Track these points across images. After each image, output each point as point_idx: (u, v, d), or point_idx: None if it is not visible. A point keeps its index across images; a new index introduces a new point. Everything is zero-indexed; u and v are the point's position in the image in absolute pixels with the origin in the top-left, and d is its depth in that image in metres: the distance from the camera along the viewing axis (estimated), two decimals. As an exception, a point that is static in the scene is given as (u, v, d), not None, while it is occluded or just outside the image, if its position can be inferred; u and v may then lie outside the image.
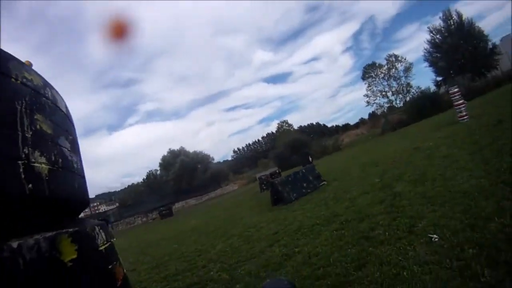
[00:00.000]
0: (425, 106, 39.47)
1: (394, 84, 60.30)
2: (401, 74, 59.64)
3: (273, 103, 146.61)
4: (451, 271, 3.17)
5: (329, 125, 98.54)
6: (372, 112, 66.26)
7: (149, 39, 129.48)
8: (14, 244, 1.11)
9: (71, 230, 1.40)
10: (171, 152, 72.32)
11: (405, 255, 3.91)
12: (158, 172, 73.97)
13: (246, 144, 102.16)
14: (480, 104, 19.69)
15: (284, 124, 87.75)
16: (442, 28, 50.95)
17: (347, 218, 6.66)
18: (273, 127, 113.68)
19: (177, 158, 69.02)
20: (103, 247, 1.69)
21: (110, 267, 1.71)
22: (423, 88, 53.28)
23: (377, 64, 61.88)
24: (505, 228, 3.54)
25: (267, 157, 72.61)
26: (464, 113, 15.81)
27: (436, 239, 4.00)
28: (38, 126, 1.47)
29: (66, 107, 2.03)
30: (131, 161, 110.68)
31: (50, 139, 1.56)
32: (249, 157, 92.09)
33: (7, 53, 1.45)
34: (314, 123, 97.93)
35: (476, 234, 3.68)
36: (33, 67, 1.76)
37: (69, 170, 1.71)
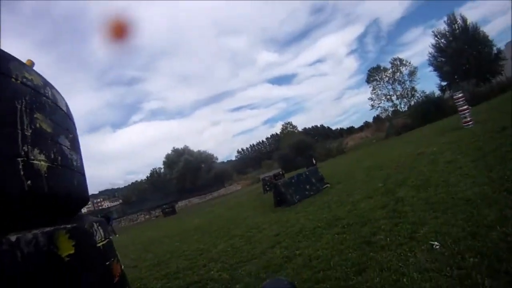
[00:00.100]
0: (429, 110, 39.38)
1: (399, 88, 60.50)
2: (406, 78, 59.90)
3: (278, 104, 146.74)
4: (451, 280, 3.14)
5: (333, 127, 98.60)
6: (377, 115, 66.40)
7: (154, 38, 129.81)
8: (13, 238, 1.14)
9: (69, 226, 1.43)
10: (175, 150, 72.45)
11: (405, 262, 3.89)
12: (162, 170, 74.27)
13: (250, 145, 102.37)
14: (484, 109, 19.62)
15: (289, 125, 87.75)
16: (447, 32, 50.90)
17: (349, 222, 6.64)
18: (277, 128, 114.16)
19: (181, 157, 69.11)
20: (101, 243, 1.71)
21: (107, 263, 1.73)
22: (427, 92, 53.20)
23: (381, 68, 62.11)
24: (507, 237, 3.50)
25: (271, 158, 72.51)
26: (469, 119, 15.74)
27: (437, 247, 3.98)
28: (37, 125, 1.50)
29: (67, 106, 2.07)
30: (135, 158, 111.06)
31: (50, 137, 1.59)
32: (253, 158, 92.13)
33: (7, 53, 1.49)
34: (319, 125, 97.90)
35: (478, 243, 3.65)
36: (35, 66, 1.84)
37: (69, 167, 1.74)
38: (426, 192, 6.79)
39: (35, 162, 1.40)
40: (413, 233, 4.72)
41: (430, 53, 53.35)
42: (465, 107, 16.28)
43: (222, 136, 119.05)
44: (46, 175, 1.45)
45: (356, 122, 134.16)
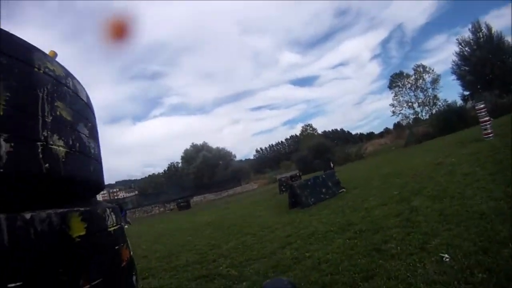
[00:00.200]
0: (451, 120, 38.82)
1: (421, 95, 59.55)
2: (428, 85, 58.83)
3: (299, 105, 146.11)
4: (457, 294, 3.15)
5: (353, 132, 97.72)
6: (397, 122, 65.50)
7: (178, 34, 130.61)
8: (27, 216, 1.21)
9: (82, 209, 1.51)
10: (194, 146, 72.79)
11: (413, 272, 3.87)
12: (180, 164, 74.62)
13: (269, 145, 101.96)
14: (506, 122, 19.20)
15: (309, 127, 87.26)
16: (471, 41, 49.81)
17: (362, 228, 6.63)
18: (297, 130, 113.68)
19: (199, 153, 69.39)
20: (112, 228, 1.79)
21: (117, 247, 1.81)
22: (449, 101, 52.39)
23: (404, 74, 61.19)
24: (518, 256, 3.48)
25: (289, 159, 72.41)
26: (489, 131, 15.43)
27: (447, 259, 3.95)
28: (58, 113, 1.59)
29: (87, 97, 2.15)
30: (153, 152, 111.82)
31: (69, 125, 1.68)
32: (271, 158, 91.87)
33: (31, 44, 1.57)
34: (339, 129, 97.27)
35: (488, 259, 3.60)
36: (57, 57, 1.91)
37: (86, 154, 1.82)
38: (441, 203, 6.73)
39: (53, 147, 1.48)
40: (424, 244, 4.69)
41: (453, 61, 52.41)
42: (487, 118, 15.96)
43: (242, 134, 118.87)
44: (63, 159, 1.53)
45: (377, 128, 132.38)
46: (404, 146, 45.41)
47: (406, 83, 60.93)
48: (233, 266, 6.34)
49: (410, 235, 5.28)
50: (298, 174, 31.03)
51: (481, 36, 49.26)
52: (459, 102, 50.42)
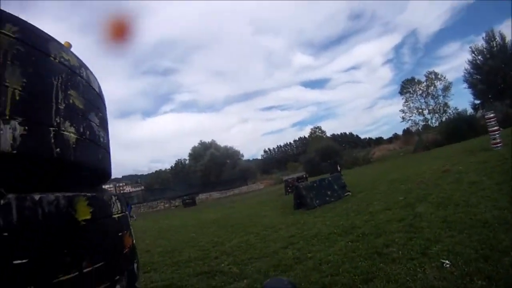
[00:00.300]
0: (460, 128, 38.42)
1: (432, 102, 58.87)
2: (440, 92, 58.08)
3: (309, 107, 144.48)
4: (455, 300, 3.17)
5: (362, 136, 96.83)
6: (407, 128, 65.06)
7: (191, 31, 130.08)
8: (36, 197, 1.28)
9: (89, 194, 1.58)
10: (202, 144, 72.76)
11: (413, 276, 3.89)
12: (187, 162, 74.59)
13: (277, 145, 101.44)
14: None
15: (317, 130, 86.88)
16: (484, 49, 49.22)
17: (365, 231, 6.65)
18: (306, 132, 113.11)
19: (207, 151, 69.35)
20: (117, 215, 1.86)
21: (120, 234, 1.88)
22: (460, 109, 51.88)
23: (416, 80, 60.59)
24: (520, 265, 3.49)
25: (297, 161, 72.12)
26: (498, 140, 15.36)
27: (448, 265, 3.97)
28: (71, 101, 1.67)
29: (99, 88, 2.23)
30: (161, 147, 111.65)
31: (81, 113, 1.76)
32: (279, 159, 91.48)
33: (48, 35, 1.66)
34: (347, 133, 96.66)
35: (489, 266, 3.61)
36: (72, 48, 1.97)
37: (95, 142, 1.89)
38: (445, 210, 6.72)
39: (65, 133, 1.56)
40: (426, 249, 4.70)
41: (466, 69, 51.90)
42: (496, 128, 15.89)
43: (250, 134, 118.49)
44: (74, 146, 1.61)
45: (386, 133, 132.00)
46: (412, 152, 45.13)
47: (417, 89, 60.47)
48: (235, 263, 6.39)
49: (412, 240, 5.29)
50: (304, 175, 31.01)
51: (495, 45, 48.79)
52: (470, 110, 50.01)
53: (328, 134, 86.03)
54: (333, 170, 27.25)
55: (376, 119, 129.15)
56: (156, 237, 12.69)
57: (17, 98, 1.35)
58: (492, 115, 16.79)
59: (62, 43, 1.85)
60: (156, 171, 79.00)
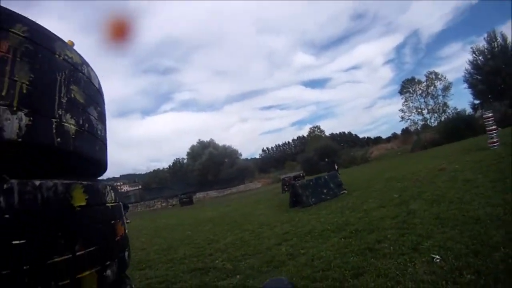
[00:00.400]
0: (459, 128, 38.47)
1: (431, 102, 59.08)
2: (439, 92, 58.34)
3: (308, 107, 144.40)
4: (444, 294, 3.18)
5: (361, 135, 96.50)
6: (406, 128, 65.14)
7: (193, 30, 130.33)
8: (37, 183, 1.40)
9: (85, 183, 1.71)
10: (201, 143, 72.59)
11: (403, 271, 3.96)
12: (185, 161, 74.47)
13: (276, 145, 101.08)
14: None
15: (316, 129, 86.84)
16: (486, 50, 49.37)
17: (358, 228, 6.73)
18: (305, 131, 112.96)
19: (205, 150, 69.19)
20: (110, 204, 1.98)
21: (113, 222, 1.98)
22: (459, 109, 51.95)
23: (416, 80, 60.67)
24: (509, 259, 3.52)
25: (295, 160, 72.10)
26: (495, 140, 15.39)
27: (438, 260, 4.02)
28: (72, 95, 1.80)
29: (99, 84, 2.36)
30: (160, 147, 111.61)
31: (81, 107, 1.89)
32: (277, 158, 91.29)
33: (53, 33, 1.79)
34: (346, 132, 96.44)
35: (479, 261, 3.67)
36: (75, 46, 2.11)
37: (93, 134, 2.02)
38: (438, 207, 6.81)
39: (66, 124, 1.68)
40: (417, 245, 4.78)
41: (466, 70, 52.11)
42: (494, 127, 15.92)
43: (249, 133, 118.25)
44: (73, 136, 1.73)
45: (385, 132, 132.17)
46: (410, 151, 45.20)
47: (417, 89, 60.59)
48: (229, 260, 6.46)
49: (404, 236, 5.36)
50: (301, 174, 31.05)
51: (496, 46, 48.90)
52: (469, 110, 50.13)
53: (327, 133, 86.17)
54: (331, 169, 27.25)
55: (376, 119, 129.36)
56: (152, 236, 12.77)
57: (24, 91, 1.47)
58: (490, 114, 16.82)
59: (66, 41, 1.98)
60: (154, 170, 78.76)
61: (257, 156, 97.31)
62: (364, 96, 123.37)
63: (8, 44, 1.46)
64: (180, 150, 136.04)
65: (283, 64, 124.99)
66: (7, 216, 1.27)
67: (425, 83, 59.79)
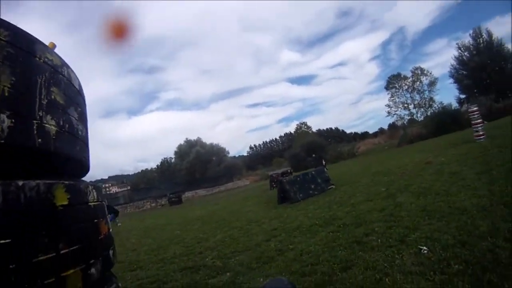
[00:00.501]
0: (445, 122, 38.83)
1: (417, 97, 59.81)
2: (425, 88, 59.06)
3: (295, 104, 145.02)
4: (432, 284, 3.22)
5: (348, 131, 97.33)
6: (392, 123, 65.74)
7: (177, 29, 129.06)
8: (20, 183, 1.43)
9: (67, 182, 1.73)
10: (188, 141, 72.39)
11: (391, 263, 3.99)
12: (173, 160, 74.24)
13: (263, 142, 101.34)
14: (500, 125, 19.40)
15: (303, 125, 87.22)
16: (471, 46, 50.26)
17: (345, 222, 6.77)
18: (291, 128, 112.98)
19: (193, 148, 69.01)
20: (93, 203, 2.01)
21: (96, 221, 2.02)
22: (445, 104, 52.49)
23: (402, 76, 61.25)
24: (496, 249, 3.56)
25: (282, 157, 72.29)
26: (481, 133, 15.61)
27: (425, 251, 4.05)
28: (53, 97, 1.83)
29: (80, 85, 2.38)
30: (147, 147, 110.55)
31: (62, 108, 1.91)
32: (264, 155, 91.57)
33: (34, 37, 1.81)
34: (333, 128, 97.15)
35: (466, 251, 3.71)
36: (56, 48, 2.17)
37: (74, 134, 2.05)
38: (425, 199, 6.87)
39: (46, 125, 1.71)
40: (405, 237, 4.81)
41: (452, 65, 52.87)
42: (479, 121, 16.15)
43: (236, 131, 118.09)
44: (54, 137, 1.76)
45: (372, 127, 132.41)
46: (397, 146, 45.52)
47: (403, 84, 61.20)
48: (219, 257, 6.47)
49: (391, 229, 5.40)
50: (289, 170, 31.05)
51: (481, 41, 49.73)
52: (455, 105, 50.73)
53: (314, 129, 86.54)
54: (318, 165, 27.32)
55: (362, 114, 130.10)
56: (142, 236, 12.71)
57: (6, 94, 1.50)
58: (475, 108, 17.04)
59: (47, 43, 2.02)
60: (142, 170, 78.45)
61: (245, 154, 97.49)
62: (350, 92, 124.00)
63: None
64: (167, 149, 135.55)
65: (269, 61, 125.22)
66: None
67: (411, 79, 60.50)
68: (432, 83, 58.70)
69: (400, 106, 61.60)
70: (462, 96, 51.94)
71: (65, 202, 1.65)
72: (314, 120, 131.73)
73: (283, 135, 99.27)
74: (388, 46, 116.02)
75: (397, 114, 62.18)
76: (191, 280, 5.45)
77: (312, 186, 13.17)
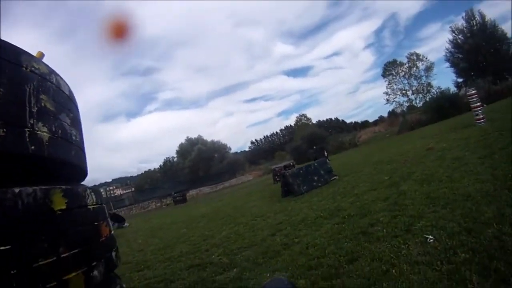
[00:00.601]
0: (444, 107, 38.71)
1: (415, 83, 59.85)
2: (422, 73, 59.19)
3: (293, 96, 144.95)
4: (439, 274, 3.19)
5: (348, 121, 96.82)
6: (392, 110, 65.66)
7: (170, 28, 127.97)
8: (16, 190, 1.44)
9: (64, 187, 1.75)
10: (189, 140, 72.50)
11: (397, 253, 3.97)
12: (175, 159, 74.31)
13: (264, 136, 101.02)
14: (498, 108, 19.34)
15: (303, 117, 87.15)
16: (465, 29, 50.22)
17: (350, 213, 6.75)
18: (291, 121, 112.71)
19: (194, 146, 69.14)
20: (92, 206, 2.02)
21: (96, 223, 2.03)
22: (443, 88, 52.30)
23: (398, 62, 61.18)
24: (502, 236, 3.52)
25: (284, 150, 72.30)
26: (481, 116, 15.49)
27: (431, 240, 4.03)
28: (42, 104, 1.85)
29: (70, 91, 2.42)
30: (148, 148, 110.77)
31: (52, 114, 1.93)
32: (266, 149, 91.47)
33: (19, 48, 1.83)
34: (333, 118, 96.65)
35: (472, 239, 3.67)
36: (45, 57, 2.23)
37: (67, 140, 2.07)
38: (429, 186, 6.84)
39: (38, 132, 1.73)
40: (410, 226, 4.78)
41: (447, 49, 52.78)
42: (478, 104, 16.05)
43: (236, 126, 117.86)
44: (47, 143, 1.78)
45: (371, 116, 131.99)
46: (397, 133, 45.45)
47: (400, 71, 61.18)
48: (225, 254, 6.48)
49: (396, 218, 5.38)
50: (291, 163, 31.04)
51: (475, 24, 49.63)
52: (453, 89, 50.57)
53: (314, 121, 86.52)
54: (319, 156, 27.31)
55: (361, 103, 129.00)
56: (148, 236, 12.77)
57: None
58: (473, 92, 16.94)
59: (35, 53, 2.10)
60: (145, 171, 78.39)
61: (246, 149, 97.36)
62: (347, 81, 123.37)
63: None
64: (168, 149, 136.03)
65: (263, 55, 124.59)
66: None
67: (407, 65, 60.50)
68: (429, 68, 58.71)
69: (398, 93, 61.73)
70: (460, 80, 51.94)
71: (63, 207, 1.67)
72: (314, 111, 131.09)
73: (283, 128, 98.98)
74: (382, 33, 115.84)
75: (395, 101, 62.30)
76: (198, 277, 5.46)
77: (315, 178, 13.14)
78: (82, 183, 2.53)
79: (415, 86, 60.10)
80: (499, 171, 6.08)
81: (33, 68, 1.85)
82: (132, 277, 6.40)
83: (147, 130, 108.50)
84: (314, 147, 40.05)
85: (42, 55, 2.23)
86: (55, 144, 1.87)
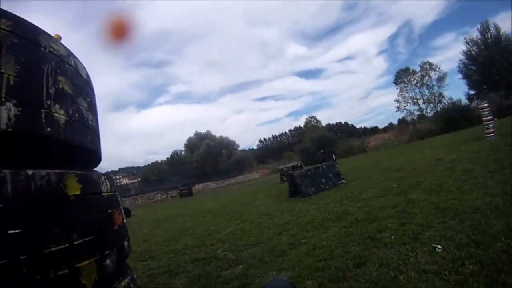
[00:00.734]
0: (455, 118, 38.57)
1: (426, 92, 59.57)
2: (434, 83, 58.91)
3: (304, 97, 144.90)
4: (447, 283, 3.15)
5: (357, 125, 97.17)
6: (402, 118, 65.41)
7: (185, 23, 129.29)
8: (30, 172, 1.41)
9: (79, 172, 1.72)
10: (197, 134, 72.82)
11: (405, 260, 3.93)
12: (183, 153, 74.65)
13: (273, 135, 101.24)
14: (510, 123, 19.18)
15: (313, 119, 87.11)
16: (479, 40, 49.78)
17: (358, 217, 6.71)
18: (301, 122, 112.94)
19: (202, 141, 69.40)
20: (106, 193, 1.99)
21: (109, 211, 2.00)
22: (454, 100, 52.08)
23: (410, 70, 60.98)
24: (510, 250, 3.47)
25: (292, 150, 72.26)
26: (492, 130, 15.31)
27: (439, 250, 4.01)
28: (60, 86, 1.82)
29: (87, 75, 2.39)
30: (157, 139, 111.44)
31: (70, 97, 1.91)
32: (275, 149, 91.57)
33: (38, 27, 1.82)
34: (343, 122, 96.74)
35: (480, 251, 3.63)
36: (62, 40, 2.16)
37: (84, 124, 2.04)
38: (438, 196, 6.77)
39: (55, 114, 1.71)
40: (418, 235, 4.73)
41: (460, 60, 52.39)
42: (490, 117, 15.83)
43: (245, 124, 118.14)
44: (63, 126, 1.75)
45: (381, 122, 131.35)
46: (407, 141, 45.26)
47: (412, 79, 60.96)
48: (231, 250, 6.47)
49: (404, 226, 5.33)
50: (299, 164, 30.97)
51: (489, 36, 49.20)
52: (464, 101, 50.32)
53: (324, 123, 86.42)
54: (328, 159, 27.26)
55: (371, 109, 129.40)
56: (154, 227, 12.82)
57: (12, 83, 1.49)
58: (486, 105, 16.76)
59: (52, 35, 1.99)
60: (152, 163, 78.91)
61: (255, 147, 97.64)
62: (359, 86, 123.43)
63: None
64: (176, 142, 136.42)
65: (276, 55, 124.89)
66: (1, 205, 1.28)
67: (419, 73, 60.36)
68: (441, 78, 58.49)
69: (409, 101, 61.58)
70: (472, 92, 51.57)
71: (78, 192, 1.63)
72: (323, 114, 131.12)
73: (292, 129, 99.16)
74: (396, 40, 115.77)
75: (406, 109, 62.10)
76: (203, 271, 5.44)
77: (323, 181, 13.12)
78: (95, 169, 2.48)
79: (426, 95, 59.92)
80: (509, 186, 5.99)
81: (51, 49, 1.83)
82: (136, 267, 6.36)
83: (157, 122, 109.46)
84: (322, 150, 40.00)
85: (59, 37, 2.18)
86: (72, 128, 1.84)
